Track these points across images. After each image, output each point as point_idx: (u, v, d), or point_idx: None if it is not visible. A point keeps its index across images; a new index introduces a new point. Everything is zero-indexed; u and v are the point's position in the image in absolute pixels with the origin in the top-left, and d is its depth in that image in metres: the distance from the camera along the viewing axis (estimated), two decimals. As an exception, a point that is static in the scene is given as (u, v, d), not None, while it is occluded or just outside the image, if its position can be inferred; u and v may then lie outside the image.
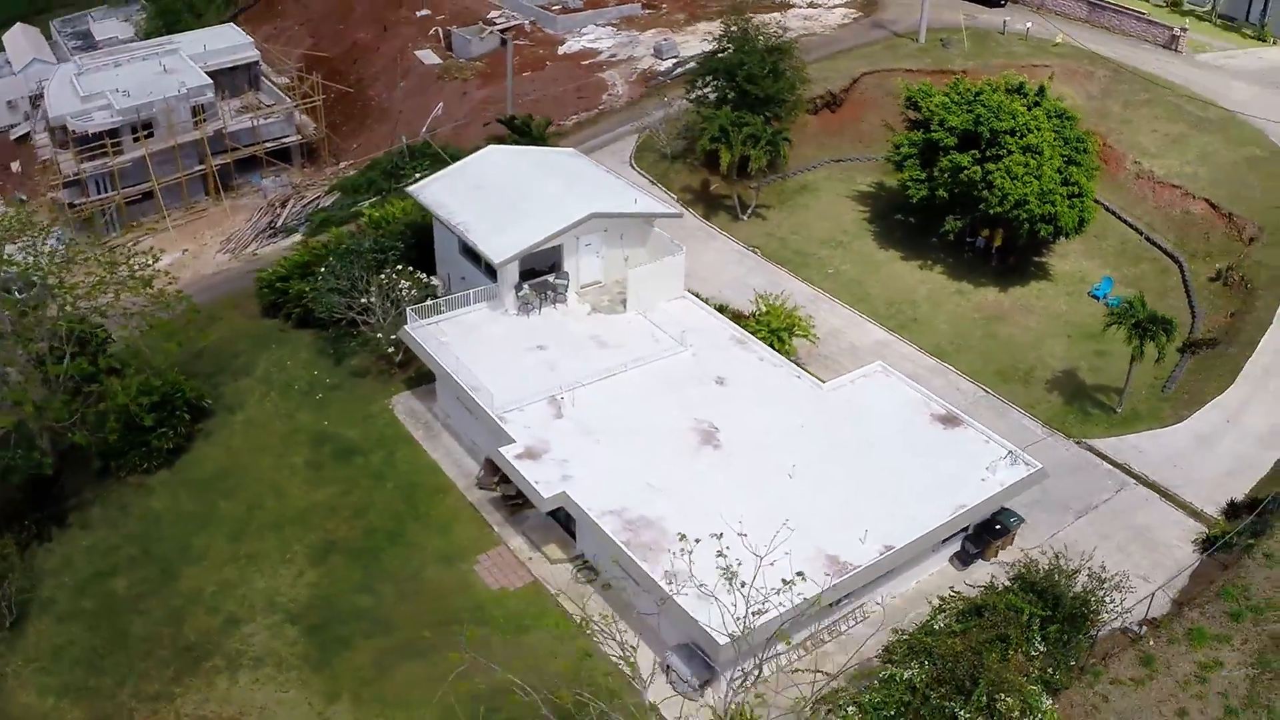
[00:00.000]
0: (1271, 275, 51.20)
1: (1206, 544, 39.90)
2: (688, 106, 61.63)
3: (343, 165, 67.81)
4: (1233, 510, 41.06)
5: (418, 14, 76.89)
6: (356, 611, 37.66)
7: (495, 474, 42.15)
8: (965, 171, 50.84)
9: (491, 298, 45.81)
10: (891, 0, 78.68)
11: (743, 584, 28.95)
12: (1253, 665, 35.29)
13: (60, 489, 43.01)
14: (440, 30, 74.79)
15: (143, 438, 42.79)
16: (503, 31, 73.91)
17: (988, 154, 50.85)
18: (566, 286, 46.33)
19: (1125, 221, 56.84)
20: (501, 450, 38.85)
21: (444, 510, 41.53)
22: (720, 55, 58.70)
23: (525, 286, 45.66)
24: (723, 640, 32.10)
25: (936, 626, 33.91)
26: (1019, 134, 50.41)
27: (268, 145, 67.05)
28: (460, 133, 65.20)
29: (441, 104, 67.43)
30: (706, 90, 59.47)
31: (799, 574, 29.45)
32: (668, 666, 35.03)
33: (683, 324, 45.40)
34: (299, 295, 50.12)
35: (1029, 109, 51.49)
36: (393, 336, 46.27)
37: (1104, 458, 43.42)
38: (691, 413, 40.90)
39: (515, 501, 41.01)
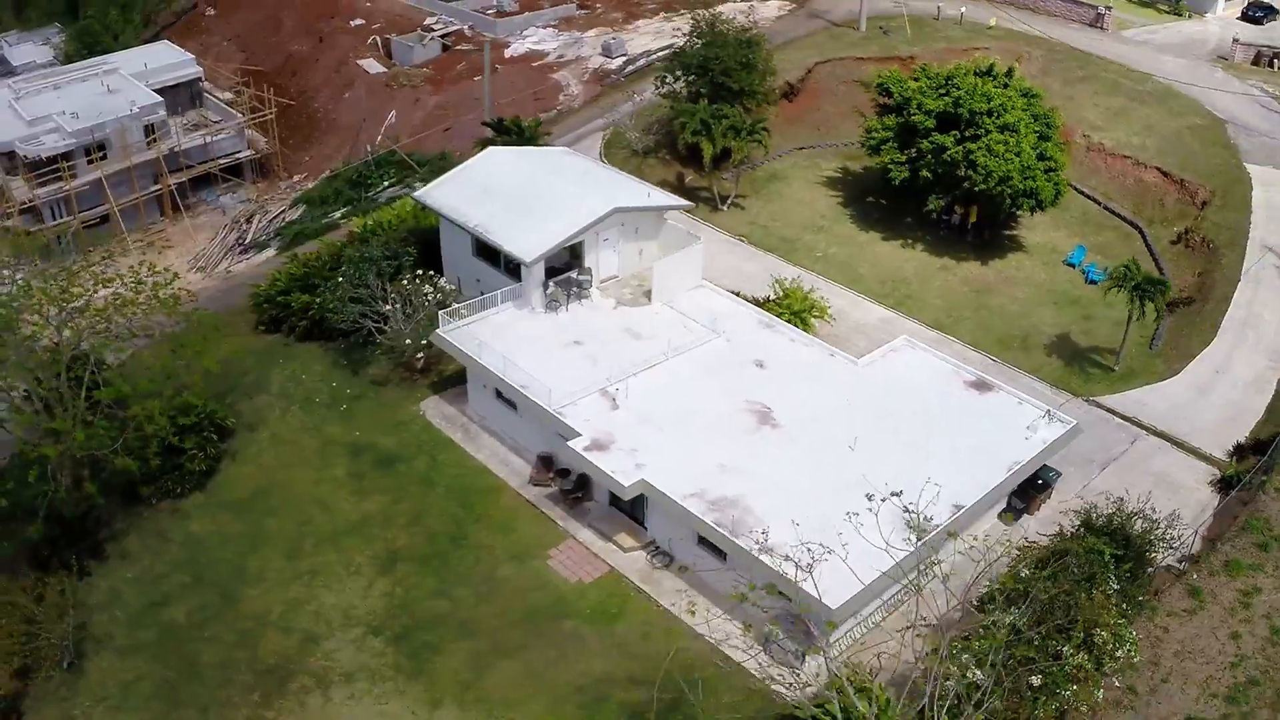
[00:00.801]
0: (1231, 235, 54.90)
1: (1223, 484, 42.71)
2: (653, 101, 62.44)
3: (296, 179, 66.53)
4: (1239, 452, 43.98)
5: (352, 23, 75.83)
6: (437, 617, 37.39)
7: (549, 470, 42.42)
8: (948, 152, 53.07)
9: (517, 297, 45.92)
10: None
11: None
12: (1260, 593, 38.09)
13: (92, 521, 41.36)
14: (378, 39, 73.96)
15: (175, 461, 41.61)
16: (443, 37, 73.58)
17: (967, 134, 53.19)
18: (590, 282, 46.73)
19: (1083, 193, 59.99)
20: (570, 444, 39.07)
21: (502, 510, 41.47)
22: (690, 50, 59.79)
23: (551, 284, 45.94)
24: (837, 604, 33.31)
25: (1023, 574, 35.57)
26: (996, 114, 52.87)
27: (221, 162, 65.31)
28: (422, 140, 64.72)
29: (394, 112, 66.78)
30: (676, 85, 60.47)
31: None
32: (767, 639, 35.87)
33: (709, 312, 46.22)
34: (304, 308, 49.25)
35: (1001, 89, 54.05)
36: (419, 341, 46.01)
37: (1113, 413, 45.97)
38: (741, 395, 41.79)
39: (575, 495, 41.32)
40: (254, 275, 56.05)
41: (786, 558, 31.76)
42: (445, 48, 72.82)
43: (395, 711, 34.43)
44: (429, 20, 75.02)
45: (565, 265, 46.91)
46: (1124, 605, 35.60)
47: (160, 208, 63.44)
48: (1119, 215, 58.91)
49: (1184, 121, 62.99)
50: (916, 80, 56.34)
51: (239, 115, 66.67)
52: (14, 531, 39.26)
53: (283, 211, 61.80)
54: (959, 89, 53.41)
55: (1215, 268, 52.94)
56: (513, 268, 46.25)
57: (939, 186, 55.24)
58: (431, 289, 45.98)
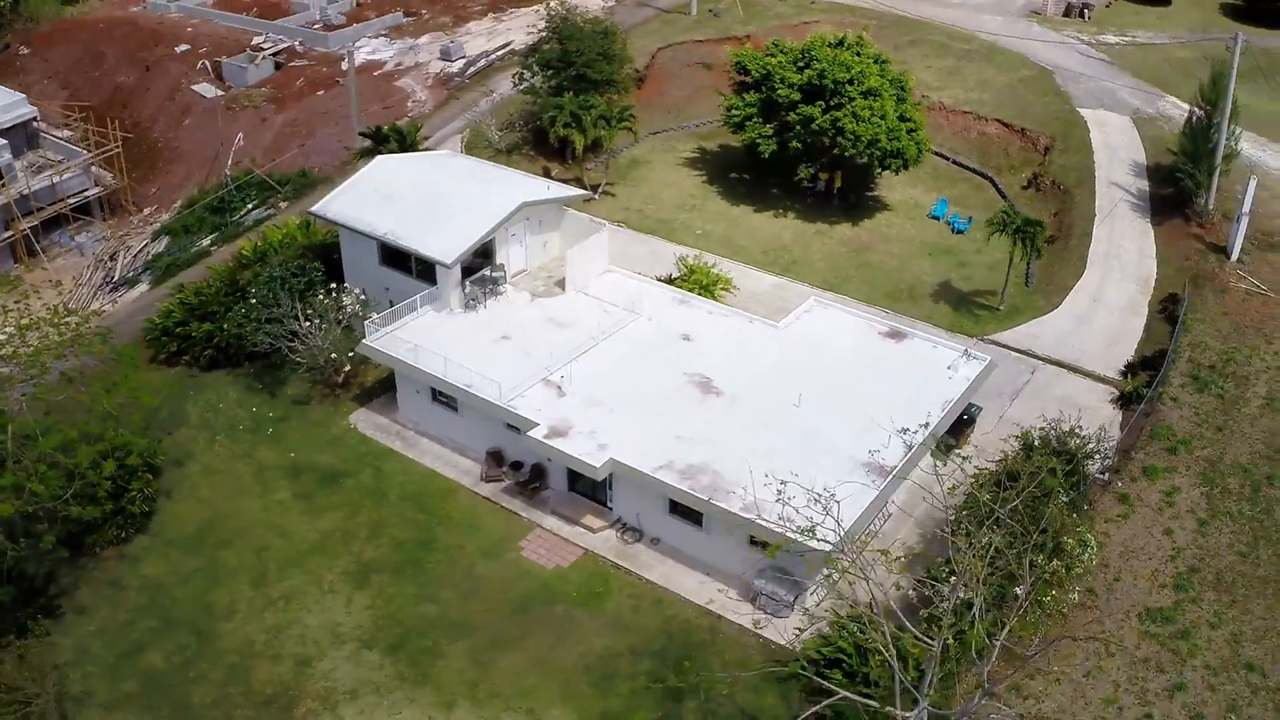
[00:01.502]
0: (1078, 175, 59.61)
1: (1122, 400, 46.65)
2: (509, 99, 62.78)
3: (146, 211, 63.81)
4: (1130, 370, 48.11)
5: (178, 49, 72.94)
6: (427, 621, 37.23)
7: (500, 464, 42.72)
8: (816, 122, 55.73)
9: (434, 300, 45.85)
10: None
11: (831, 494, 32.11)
12: (1202, 485, 42.14)
13: (40, 577, 39.11)
14: (207, 63, 71.51)
15: (115, 505, 39.81)
16: (274, 55, 71.81)
17: (832, 103, 55.98)
18: (505, 278, 47.10)
19: (933, 150, 63.92)
20: (531, 434, 39.54)
21: (461, 510, 41.47)
22: (548, 45, 60.60)
23: (468, 284, 46.10)
24: (827, 547, 35.00)
25: (984, 499, 38.19)
26: (857, 82, 55.84)
27: (71, 201, 61.97)
28: (277, 159, 63.22)
29: (241, 134, 64.89)
30: (535, 80, 61.20)
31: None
32: (756, 594, 37.39)
33: (623, 294, 47.24)
34: (206, 337, 47.72)
35: (855, 58, 57.09)
36: (333, 356, 45.41)
37: (1009, 348, 49.53)
38: (679, 368, 43.03)
39: (532, 485, 41.77)
40: (132, 312, 53.73)
41: (781, 514, 33.48)
42: (278, 65, 71.06)
43: (412, 718, 34.27)
44: (256, 40, 73.01)
45: (476, 264, 47.15)
46: (1073, 515, 38.92)
47: (14, 254, 59.75)
48: (968, 168, 63.04)
49: (1014, 75, 67.90)
50: (773, 56, 58.84)
51: (84, 152, 63.35)
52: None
53: (145, 245, 59.26)
54: (820, 61, 56.13)
55: (1071, 207, 57.42)
56: (425, 272, 46.16)
57: (808, 156, 57.97)
58: (350, 300, 45.40)
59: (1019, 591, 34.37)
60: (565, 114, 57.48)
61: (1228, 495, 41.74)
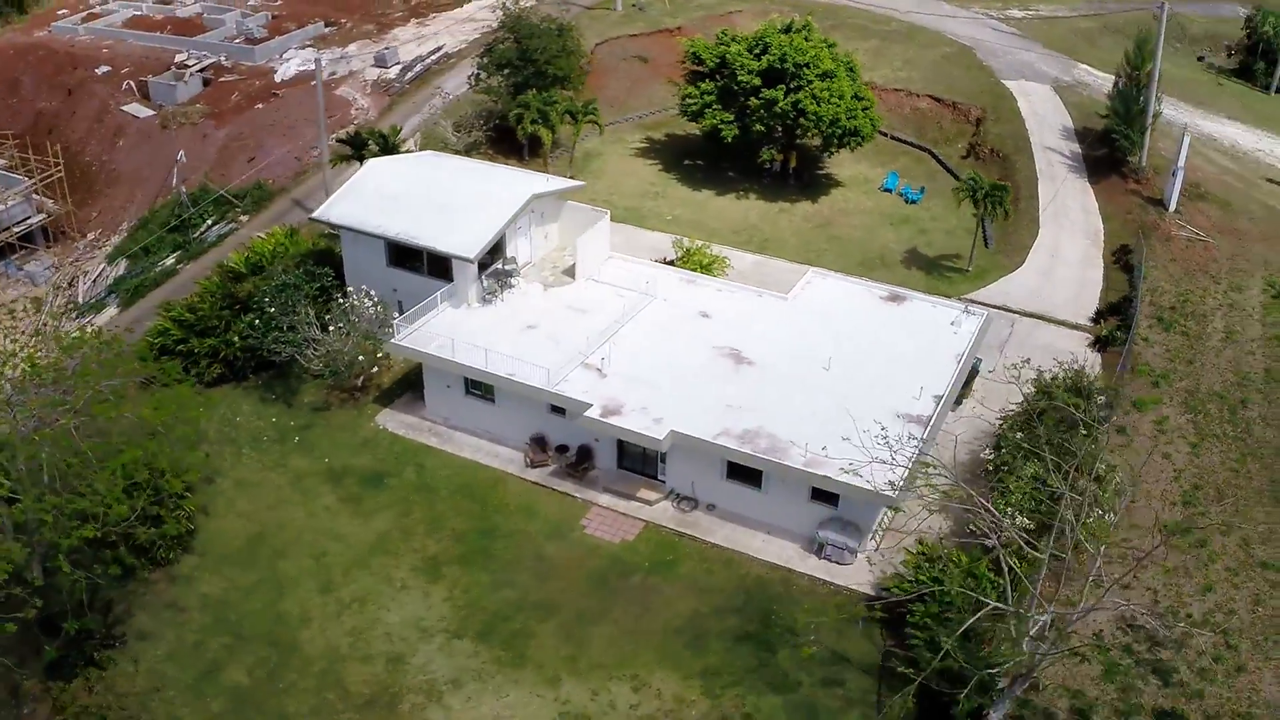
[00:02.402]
0: (1015, 142, 63.35)
1: (1098, 343, 50.11)
2: (460, 99, 62.97)
3: (91, 236, 61.72)
4: (1100, 316, 51.80)
5: (98, 71, 70.45)
6: (510, 605, 37.74)
7: (544, 449, 43.39)
8: (779, 105, 57.88)
9: (451, 296, 46.15)
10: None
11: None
12: (1186, 412, 45.80)
13: (85, 609, 37.92)
14: (132, 83, 69.44)
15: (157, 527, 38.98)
16: (201, 71, 70.21)
17: (792, 86, 58.20)
18: (518, 271, 47.69)
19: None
20: (587, 415, 40.41)
21: (514, 496, 42.04)
22: (503, 45, 61.22)
23: (484, 278, 46.56)
24: (891, 492, 36.95)
25: (1016, 437, 40.77)
26: (812, 65, 58.23)
27: (16, 230, 59.42)
28: (227, 173, 62.08)
29: (183, 152, 63.32)
30: (493, 80, 61.68)
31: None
32: (821, 545, 39.13)
33: (631, 278, 48.47)
34: (211, 352, 46.92)
35: (805, 42, 59.48)
36: (360, 359, 45.31)
37: (987, 305, 52.58)
38: (707, 343, 44.51)
39: (581, 466, 42.60)
40: (153, 327, 52.01)
41: (851, 462, 35.56)
42: (206, 82, 69.50)
43: (520, 699, 34.72)
44: (180, 57, 71.07)
45: (487, 259, 47.55)
46: (1094, 444, 41.93)
47: (-38, 288, 57.23)
48: (907, 142, 66.19)
49: (937, 52, 71.53)
50: (726, 45, 60.79)
51: (23, 179, 60.85)
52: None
53: (103, 269, 57.40)
54: (777, 47, 58.28)
55: (1013, 172, 60.99)
56: (439, 269, 46.47)
57: (769, 139, 60.15)
58: (371, 303, 45.31)
59: (1069, 516, 37.34)
60: (533, 111, 58.23)
61: (1211, 420, 45.46)
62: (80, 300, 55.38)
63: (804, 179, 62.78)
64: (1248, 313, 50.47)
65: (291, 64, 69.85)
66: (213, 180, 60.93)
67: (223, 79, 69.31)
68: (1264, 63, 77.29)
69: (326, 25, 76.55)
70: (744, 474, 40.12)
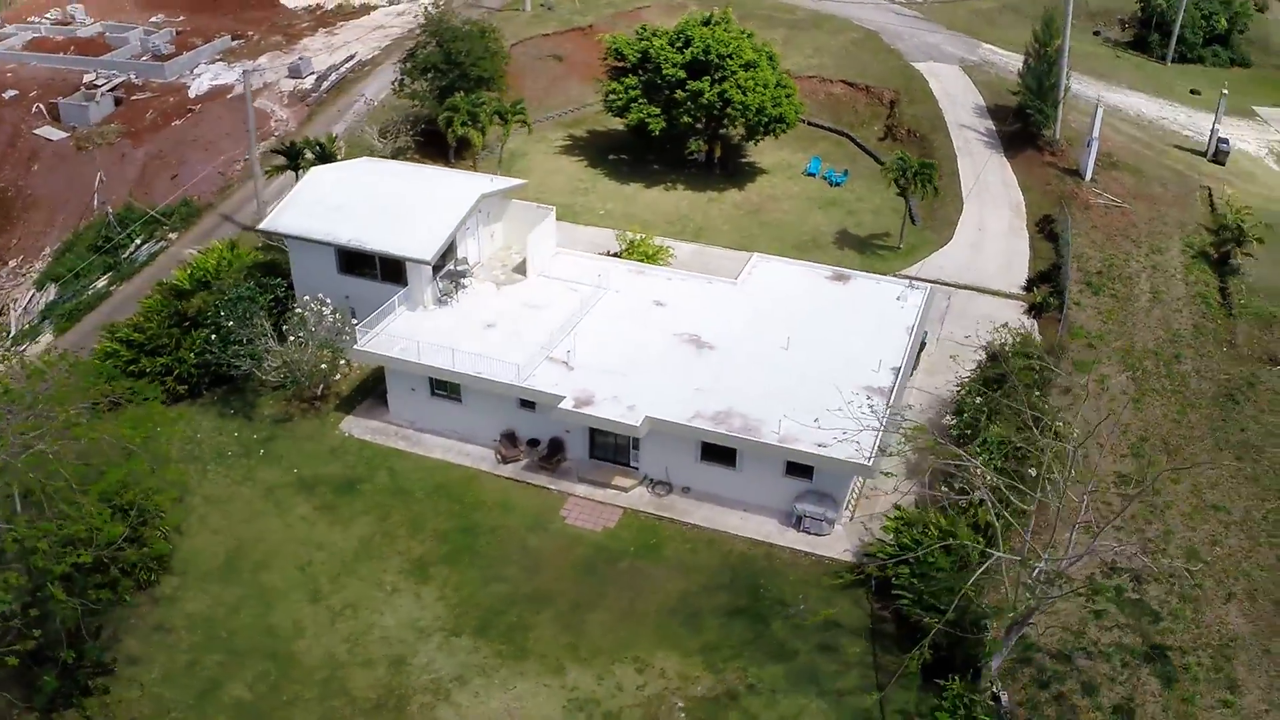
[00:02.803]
0: (931, 122, 65.52)
1: (1033, 310, 52.26)
2: (380, 105, 62.68)
3: (14, 264, 59.87)
4: (1031, 284, 54.01)
5: (6, 95, 68.19)
6: (503, 599, 37.98)
7: (515, 444, 43.72)
8: (705, 96, 58.94)
9: (406, 300, 46.10)
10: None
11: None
12: (1124, 370, 48.20)
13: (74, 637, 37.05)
14: (42, 106, 67.43)
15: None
16: (112, 90, 68.49)
17: (717, 77, 59.31)
18: (470, 271, 47.85)
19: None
20: (560, 407, 40.87)
21: (491, 493, 42.28)
22: (425, 49, 61.21)
23: (438, 280, 46.62)
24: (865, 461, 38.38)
25: (977, 401, 42.48)
26: (735, 56, 59.45)
27: (-67, 259, 57.42)
28: (150, 191, 60.83)
29: (102, 173, 61.86)
30: (417, 84, 61.56)
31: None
32: (799, 517, 40.25)
33: (581, 272, 49.02)
34: (164, 370, 46.06)
35: (725, 33, 60.66)
36: (322, 367, 45.05)
37: (924, 279, 54.37)
38: (666, 330, 45.32)
39: (554, 459, 43.03)
40: (98, 348, 50.66)
41: (844, 433, 36.87)
42: (118, 101, 67.82)
43: (528, 690, 35.05)
44: (88, 78, 69.24)
45: (440, 260, 47.55)
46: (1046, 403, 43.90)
47: (-119, 320, 54.90)
48: (825, 127, 67.93)
49: (845, 38, 73.48)
50: (646, 40, 61.65)
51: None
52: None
53: (32, 296, 55.78)
54: (700, 39, 59.35)
55: (932, 150, 63.08)
56: (392, 273, 46.45)
57: (695, 130, 61.25)
58: (329, 310, 45.03)
59: (1030, 472, 39.08)
60: (463, 113, 58.33)
61: (1148, 375, 47.97)
62: (12, 329, 53.76)
63: (729, 168, 64.05)
64: (1170, 273, 53.25)
65: (204, 79, 68.67)
66: (137, 199, 59.65)
67: (135, 97, 67.77)
68: (1158, 35, 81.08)
69: (233, 39, 75.31)
70: (718, 454, 41.04)
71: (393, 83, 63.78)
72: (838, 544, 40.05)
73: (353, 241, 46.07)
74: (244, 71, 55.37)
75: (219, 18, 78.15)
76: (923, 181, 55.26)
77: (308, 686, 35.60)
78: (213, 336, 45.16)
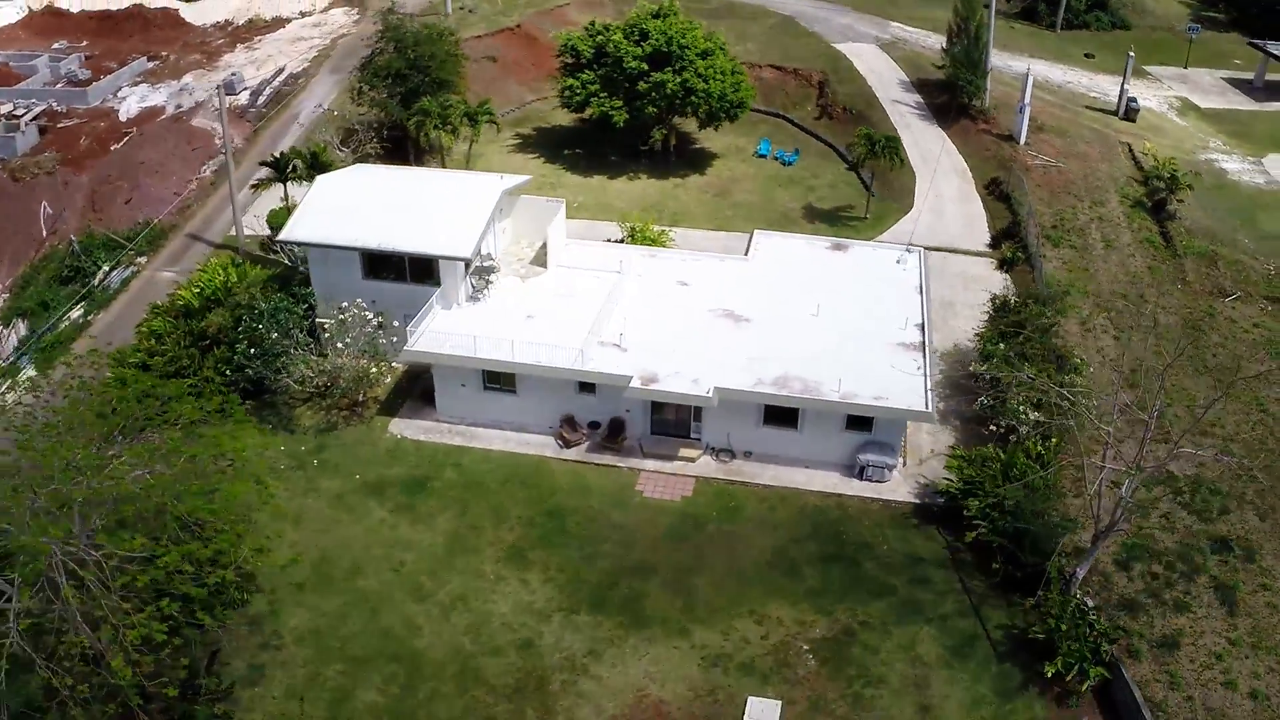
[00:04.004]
0: (865, 100, 69.08)
1: (1003, 264, 56.26)
2: (331, 114, 62.28)
3: (-32, 304, 57.02)
4: (996, 241, 57.93)
5: (-82, 135, 64.60)
6: (608, 574, 39.11)
7: (576, 428, 44.78)
8: (668, 86, 60.85)
9: (440, 299, 46.50)
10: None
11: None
12: (1101, 312, 52.39)
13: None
14: (-47, 140, 64.17)
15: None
16: (35, 119, 65.62)
17: (677, 68, 61.30)
18: (496, 266, 48.48)
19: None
20: (633, 386, 42.22)
21: (563, 477, 43.31)
22: (383, 56, 61.10)
23: (468, 277, 47.17)
24: (928, 409, 41.31)
25: (1000, 347, 45.79)
26: (690, 46, 61.59)
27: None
28: (105, 217, 58.80)
29: (45, 203, 59.43)
30: (377, 91, 61.39)
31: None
32: (861, 468, 42.72)
33: (598, 259, 50.32)
34: (193, 391, 44.60)
35: (676, 24, 62.76)
36: (374, 371, 45.15)
37: (900, 244, 57.59)
38: (701, 307, 47.15)
39: (617, 438, 44.30)
40: (46, 397, 48.80)
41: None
42: (43, 129, 65.09)
43: (661, 654, 36.31)
44: (5, 108, 66.03)
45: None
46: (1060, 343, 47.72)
47: None
48: (760, 110, 70.75)
49: (764, 24, 76.44)
50: (599, 35, 63.17)
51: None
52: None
53: (2, 334, 53.24)
54: (657, 33, 61.24)
55: (872, 126, 66.45)
56: (421, 274, 46.75)
57: (657, 120, 63.14)
58: (371, 314, 45.06)
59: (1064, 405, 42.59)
60: (434, 117, 58.61)
61: (1122, 315, 52.35)
62: (-7, 367, 51.31)
63: (684, 155, 66.18)
64: (1115, 223, 58.09)
65: (131, 102, 66.62)
66: (95, 226, 57.61)
67: (61, 124, 65.11)
68: (1045, 5, 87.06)
69: (150, 60, 72.99)
70: (780, 417, 43.23)
71: (351, 91, 63.36)
72: (899, 488, 42.83)
73: (383, 244, 46.17)
74: (218, 87, 54.18)
75: (125, 40, 75.69)
76: (890, 154, 58.66)
77: (442, 681, 36.01)
78: (251, 350, 44.60)
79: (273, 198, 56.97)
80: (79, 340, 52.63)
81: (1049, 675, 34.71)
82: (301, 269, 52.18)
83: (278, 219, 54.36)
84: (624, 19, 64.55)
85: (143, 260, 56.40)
